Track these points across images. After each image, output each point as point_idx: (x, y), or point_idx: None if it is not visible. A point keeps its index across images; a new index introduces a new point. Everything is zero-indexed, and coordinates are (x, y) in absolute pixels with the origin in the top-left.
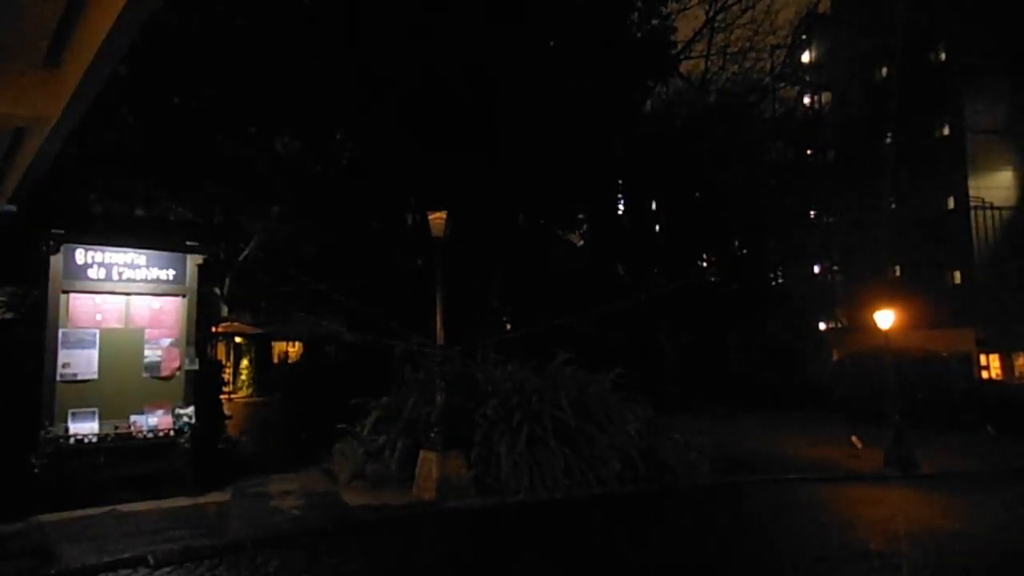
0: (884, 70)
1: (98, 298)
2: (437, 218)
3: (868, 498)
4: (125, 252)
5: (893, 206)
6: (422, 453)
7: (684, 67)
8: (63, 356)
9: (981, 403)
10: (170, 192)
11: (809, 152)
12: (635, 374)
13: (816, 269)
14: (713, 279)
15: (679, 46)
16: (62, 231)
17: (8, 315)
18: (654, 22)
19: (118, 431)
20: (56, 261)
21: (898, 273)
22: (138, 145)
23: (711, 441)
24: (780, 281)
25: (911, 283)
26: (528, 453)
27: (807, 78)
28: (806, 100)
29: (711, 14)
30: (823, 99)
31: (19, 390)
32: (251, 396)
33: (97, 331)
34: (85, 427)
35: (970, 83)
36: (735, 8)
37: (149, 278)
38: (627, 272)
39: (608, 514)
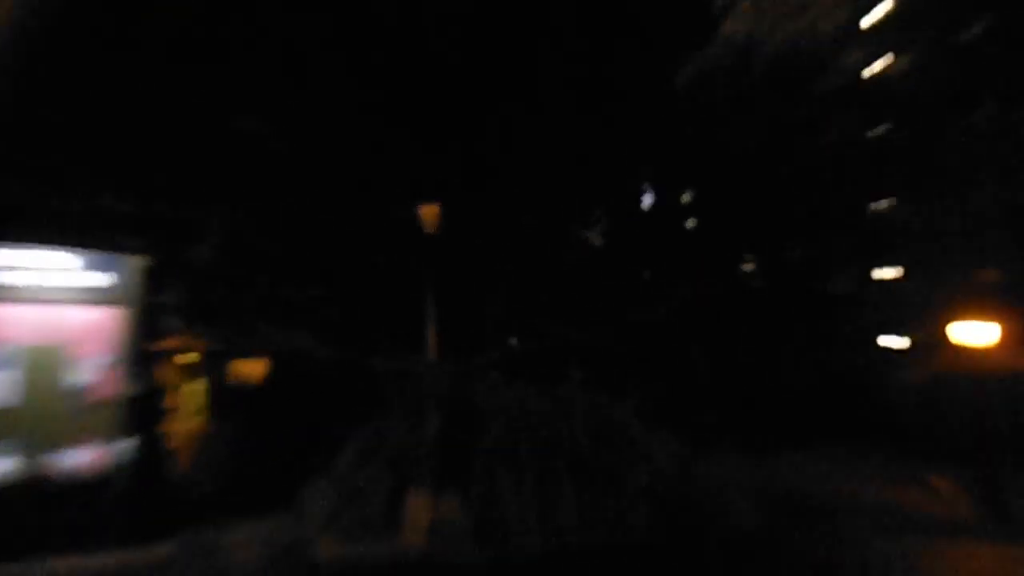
0: (977, 27)
1: (15, 308)
2: (429, 211)
3: (953, 558)
4: (52, 252)
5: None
6: (410, 493)
7: (726, 30)
8: None
9: None
10: (110, 180)
11: (880, 131)
12: (664, 398)
13: (889, 272)
14: (758, 285)
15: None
16: None
17: None
18: None
19: (38, 471)
20: None
21: (997, 277)
22: (69, 124)
23: (757, 480)
24: (842, 287)
25: (1015, 289)
26: (536, 493)
27: (880, 39)
28: (877, 66)
29: None
30: (899, 64)
31: None
32: (204, 425)
33: (14, 348)
34: None
35: None
36: None
37: (82, 284)
38: (654, 277)
39: (632, 570)
